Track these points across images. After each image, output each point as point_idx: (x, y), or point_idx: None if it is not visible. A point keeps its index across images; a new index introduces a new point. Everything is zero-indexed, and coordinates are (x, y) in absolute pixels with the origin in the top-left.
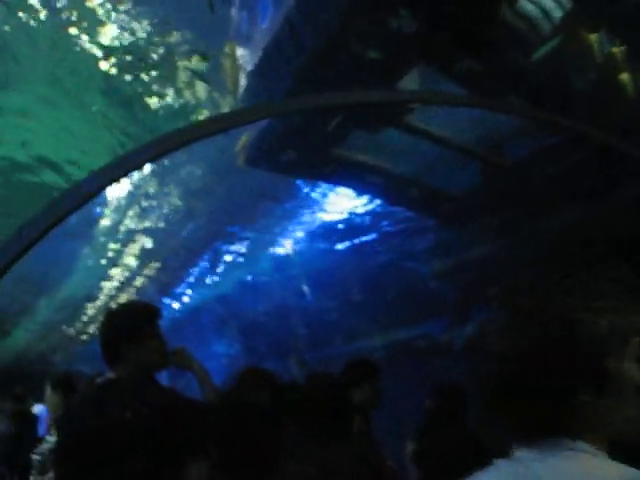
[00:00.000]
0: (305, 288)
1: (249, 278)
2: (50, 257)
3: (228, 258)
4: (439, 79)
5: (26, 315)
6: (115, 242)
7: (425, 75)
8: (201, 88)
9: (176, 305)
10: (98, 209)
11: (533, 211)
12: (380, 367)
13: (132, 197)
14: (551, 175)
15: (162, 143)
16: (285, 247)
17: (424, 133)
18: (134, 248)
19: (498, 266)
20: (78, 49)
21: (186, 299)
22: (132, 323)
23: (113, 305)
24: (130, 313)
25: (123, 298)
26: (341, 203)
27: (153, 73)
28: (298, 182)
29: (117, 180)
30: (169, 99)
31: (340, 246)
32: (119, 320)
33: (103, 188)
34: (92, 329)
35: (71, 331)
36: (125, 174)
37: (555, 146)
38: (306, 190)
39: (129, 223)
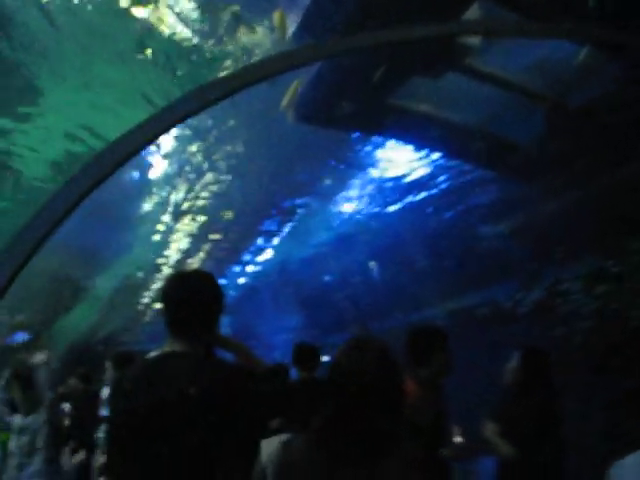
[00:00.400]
0: (365, 255)
1: (307, 247)
2: (105, 232)
3: (285, 228)
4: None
5: (85, 291)
6: (169, 216)
7: (486, 8)
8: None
9: (239, 280)
10: (147, 183)
11: (606, 161)
12: (446, 332)
13: (180, 169)
14: (624, 121)
15: (205, 92)
16: (342, 211)
17: (487, 76)
18: (188, 222)
19: (568, 223)
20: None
21: (248, 270)
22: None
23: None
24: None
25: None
26: (399, 159)
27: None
28: (353, 138)
29: (159, 136)
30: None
31: (399, 206)
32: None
33: (146, 144)
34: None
35: (135, 310)
36: (168, 128)
37: (627, 88)
38: (362, 146)
39: (180, 197)
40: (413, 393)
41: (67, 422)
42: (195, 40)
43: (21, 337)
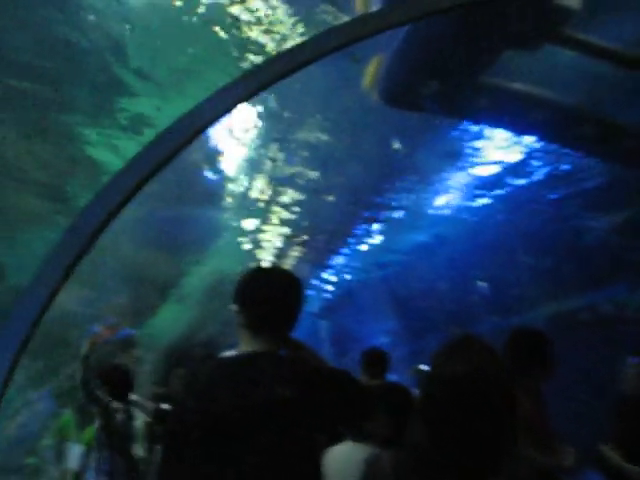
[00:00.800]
0: (458, 254)
1: (399, 247)
2: (190, 229)
3: (376, 226)
4: None
5: (174, 290)
6: (252, 215)
7: None
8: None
9: (333, 281)
10: (225, 180)
11: None
12: (550, 337)
13: (257, 163)
14: None
15: (278, 62)
16: (434, 207)
17: (590, 49)
18: (274, 220)
19: None
20: None
21: (342, 272)
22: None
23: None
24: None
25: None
26: (493, 144)
27: None
28: (442, 122)
29: (233, 107)
30: None
31: (493, 199)
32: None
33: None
34: None
35: (230, 314)
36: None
37: None
38: (452, 131)
39: (263, 194)
40: (521, 404)
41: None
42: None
43: (115, 334)
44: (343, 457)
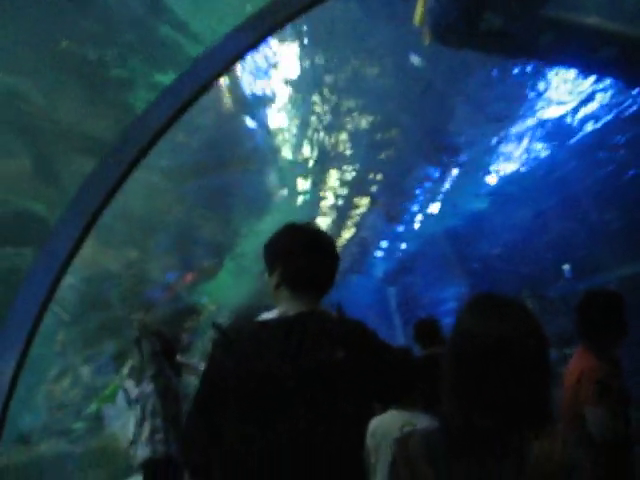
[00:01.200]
0: (531, 212)
1: (467, 208)
2: (243, 191)
3: (441, 187)
4: None
5: (228, 255)
6: (306, 176)
7: None
8: None
9: (401, 247)
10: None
11: None
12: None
13: (308, 119)
14: None
15: None
16: (501, 164)
17: None
18: (330, 183)
19: None
20: None
21: (407, 237)
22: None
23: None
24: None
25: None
26: (562, 88)
27: None
28: (506, 63)
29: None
30: None
31: (566, 150)
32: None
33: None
34: None
35: None
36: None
37: None
38: (512, 72)
39: (320, 151)
40: (598, 368)
41: None
42: None
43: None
44: (388, 426)
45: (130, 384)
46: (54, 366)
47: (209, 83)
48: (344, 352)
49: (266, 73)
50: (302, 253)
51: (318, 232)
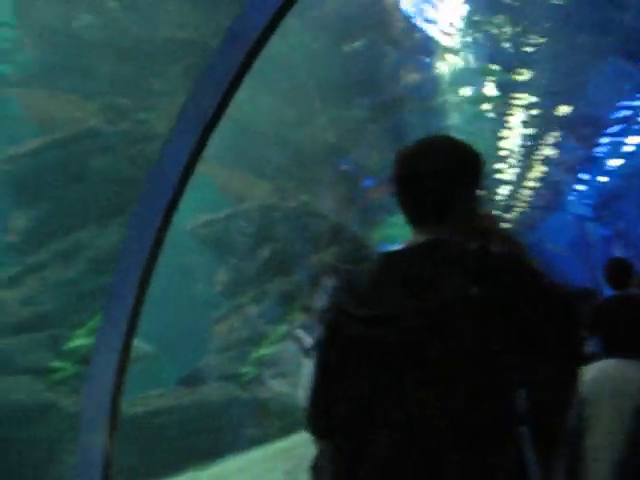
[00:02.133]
0: None
1: None
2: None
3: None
4: None
5: None
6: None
7: None
8: None
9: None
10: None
11: None
12: None
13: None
14: None
15: None
16: None
17: None
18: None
19: None
20: None
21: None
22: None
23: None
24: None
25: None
26: None
27: None
28: None
29: None
30: None
31: None
32: None
33: None
34: None
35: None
36: None
37: None
38: None
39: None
40: None
41: None
42: None
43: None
44: (610, 375)
45: (301, 333)
46: (218, 307)
47: None
48: (485, 289)
49: None
50: (399, 176)
51: (419, 149)
